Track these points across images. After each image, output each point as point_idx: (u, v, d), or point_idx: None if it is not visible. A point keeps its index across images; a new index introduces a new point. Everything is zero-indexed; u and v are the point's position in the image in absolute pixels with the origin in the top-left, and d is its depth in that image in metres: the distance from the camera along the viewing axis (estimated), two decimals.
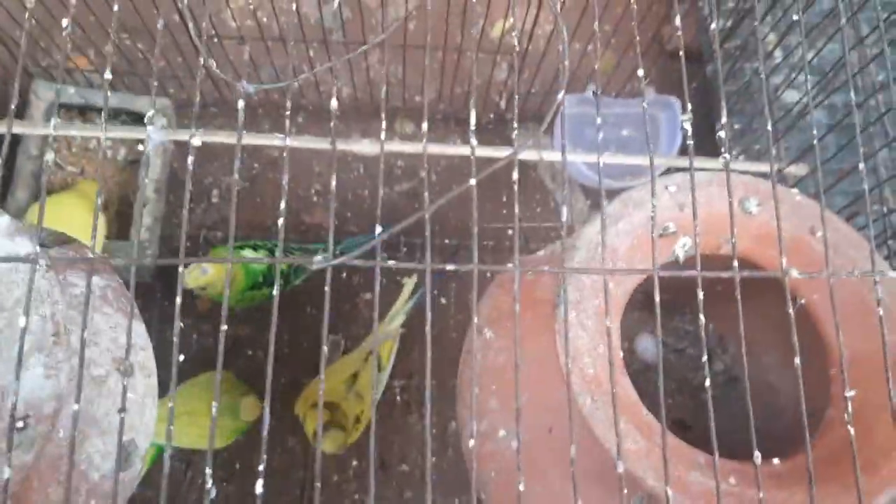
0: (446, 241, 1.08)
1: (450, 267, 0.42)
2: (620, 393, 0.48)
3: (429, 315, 0.40)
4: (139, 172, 0.98)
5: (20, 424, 0.41)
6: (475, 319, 0.39)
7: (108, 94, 1.00)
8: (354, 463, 1.02)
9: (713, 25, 0.96)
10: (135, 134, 0.84)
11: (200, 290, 0.86)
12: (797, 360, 0.41)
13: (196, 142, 0.41)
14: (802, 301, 0.56)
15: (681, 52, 0.48)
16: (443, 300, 1.09)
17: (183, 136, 0.71)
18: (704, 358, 0.40)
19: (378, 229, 0.42)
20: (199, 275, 0.84)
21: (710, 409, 0.39)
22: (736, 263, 0.43)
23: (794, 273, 0.43)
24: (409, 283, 1.02)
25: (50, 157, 0.40)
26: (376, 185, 1.13)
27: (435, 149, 0.76)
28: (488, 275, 0.81)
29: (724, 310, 0.63)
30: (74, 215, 0.85)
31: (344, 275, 1.07)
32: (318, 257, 0.40)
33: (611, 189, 1.11)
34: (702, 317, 0.41)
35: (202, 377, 0.92)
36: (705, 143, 1.09)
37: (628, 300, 0.61)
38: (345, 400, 0.92)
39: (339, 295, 1.07)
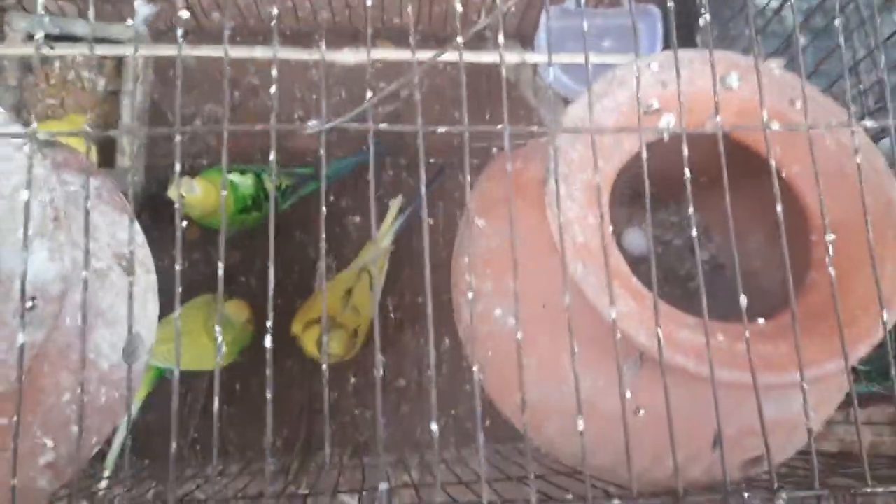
0: (431, 160, 1.09)
1: (441, 129, 0.43)
2: (611, 262, 0.50)
3: (422, 176, 0.41)
4: (120, 100, 0.98)
5: (29, 304, 0.42)
6: (468, 178, 0.40)
7: (80, 22, 0.98)
8: (353, 379, 1.04)
9: None
10: (119, 50, 0.84)
11: (181, 199, 0.86)
12: (779, 207, 0.42)
13: (183, 14, 0.41)
14: (783, 174, 0.57)
15: None
16: (430, 220, 1.10)
17: (170, 50, 0.71)
18: (691, 210, 0.42)
19: (369, 94, 0.42)
20: (188, 189, 0.84)
21: (697, 253, 0.41)
22: (719, 119, 0.44)
23: (775, 126, 0.44)
24: (396, 204, 1.03)
25: (40, 35, 0.40)
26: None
27: (423, 55, 0.76)
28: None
29: (708, 200, 0.65)
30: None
31: (332, 197, 1.08)
32: (313, 122, 0.41)
33: None
34: (686, 171, 0.42)
35: (198, 300, 0.93)
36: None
37: (616, 197, 0.62)
38: (341, 315, 0.94)
39: (329, 218, 1.08)
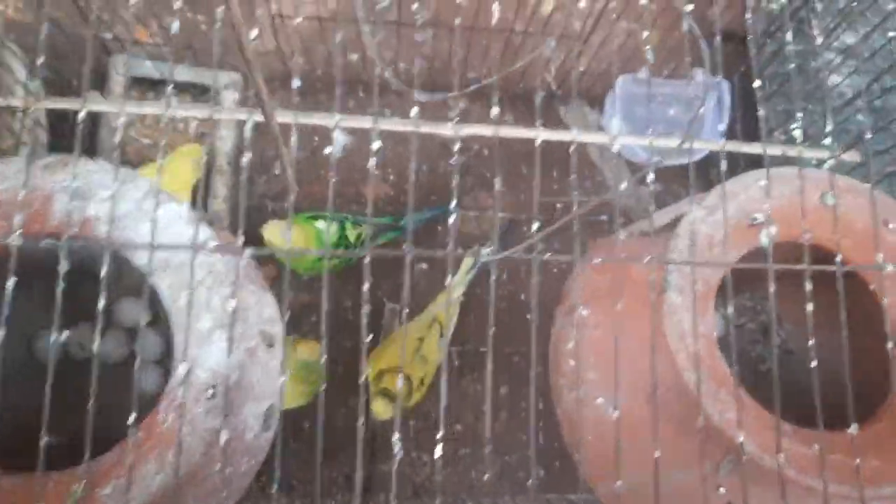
0: (500, 214, 1.13)
1: (596, 261, 0.47)
2: (716, 366, 0.54)
3: (581, 310, 0.46)
4: (212, 145, 1.03)
5: (210, 393, 0.47)
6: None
7: (180, 67, 1.03)
8: (412, 423, 1.09)
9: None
10: (197, 112, 0.89)
11: (270, 244, 0.90)
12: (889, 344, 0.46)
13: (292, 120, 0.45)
14: (870, 286, 0.62)
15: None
16: (493, 276, 1.14)
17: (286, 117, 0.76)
18: (811, 342, 0.46)
19: (535, 226, 0.47)
20: (279, 233, 0.88)
21: (815, 386, 0.45)
22: (839, 259, 0.48)
23: (890, 268, 0.48)
24: (469, 258, 1.07)
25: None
26: (432, 160, 1.17)
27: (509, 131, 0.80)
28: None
29: (781, 289, 0.70)
30: (174, 181, 0.90)
31: (404, 246, 1.12)
32: (486, 251, 0.45)
33: (659, 166, 1.16)
34: (808, 306, 0.47)
35: None
36: (750, 125, 1.14)
37: None
38: (410, 365, 0.98)
39: (397, 266, 1.12)
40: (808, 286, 0.47)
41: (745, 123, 1.15)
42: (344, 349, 1.07)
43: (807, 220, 0.60)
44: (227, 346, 0.47)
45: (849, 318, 0.63)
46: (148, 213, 0.49)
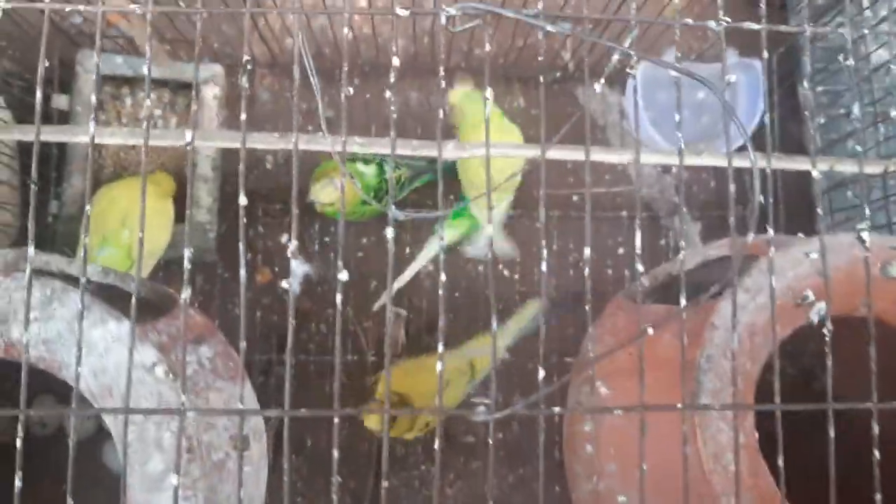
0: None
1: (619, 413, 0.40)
2: (761, 485, 0.47)
3: None
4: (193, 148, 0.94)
5: None
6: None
7: (154, 65, 0.93)
8: (423, 435, 1.03)
9: None
10: (173, 140, 0.80)
11: (328, 205, 0.91)
12: None
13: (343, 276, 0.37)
14: None
15: None
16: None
17: (234, 141, 0.67)
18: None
19: (541, 373, 0.39)
20: (332, 190, 0.88)
21: None
22: None
23: None
24: (532, 305, 0.98)
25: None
26: None
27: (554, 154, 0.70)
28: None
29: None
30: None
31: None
32: (482, 408, 0.37)
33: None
34: (876, 453, 0.39)
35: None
36: (788, 120, 1.04)
37: None
38: (422, 402, 0.88)
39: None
40: (877, 430, 0.39)
41: (783, 105, 1.04)
42: (350, 360, 1.01)
43: (861, 292, 0.51)
44: (182, 493, 0.40)
45: None
46: (83, 334, 0.41)
